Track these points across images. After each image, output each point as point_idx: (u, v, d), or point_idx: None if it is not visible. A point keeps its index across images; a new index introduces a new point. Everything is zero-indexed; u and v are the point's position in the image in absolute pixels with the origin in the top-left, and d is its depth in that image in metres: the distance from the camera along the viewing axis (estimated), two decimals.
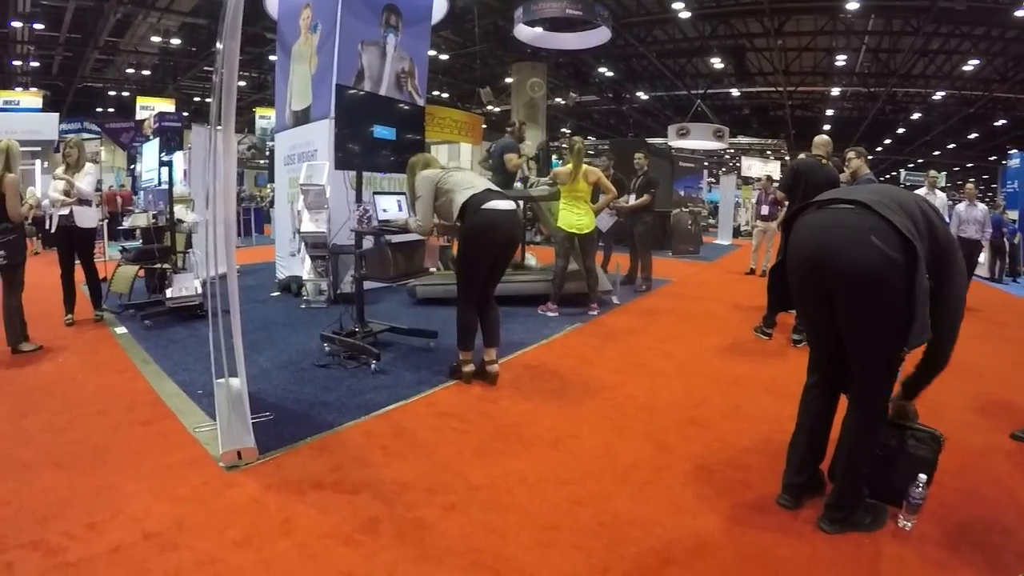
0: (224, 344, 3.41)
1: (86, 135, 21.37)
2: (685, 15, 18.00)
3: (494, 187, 4.29)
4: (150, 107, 22.26)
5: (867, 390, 2.51)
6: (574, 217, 6.56)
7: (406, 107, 5.86)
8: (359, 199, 4.90)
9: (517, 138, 8.07)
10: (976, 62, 20.54)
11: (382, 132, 4.90)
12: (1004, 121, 27.18)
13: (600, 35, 15.44)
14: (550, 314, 6.64)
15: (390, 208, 4.73)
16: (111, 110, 27.50)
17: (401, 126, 5.10)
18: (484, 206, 4.01)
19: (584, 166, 6.59)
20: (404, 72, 8.40)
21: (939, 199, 9.35)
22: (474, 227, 4.04)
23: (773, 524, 2.62)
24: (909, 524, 2.58)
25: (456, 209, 4.08)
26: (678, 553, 2.38)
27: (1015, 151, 20.98)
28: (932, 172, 5.75)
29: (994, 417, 4.05)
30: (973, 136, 29.72)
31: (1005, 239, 14.38)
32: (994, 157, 31.41)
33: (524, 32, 15.51)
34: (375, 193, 4.78)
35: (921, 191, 5.44)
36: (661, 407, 4.02)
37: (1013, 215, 15.97)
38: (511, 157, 7.57)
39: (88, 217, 6.00)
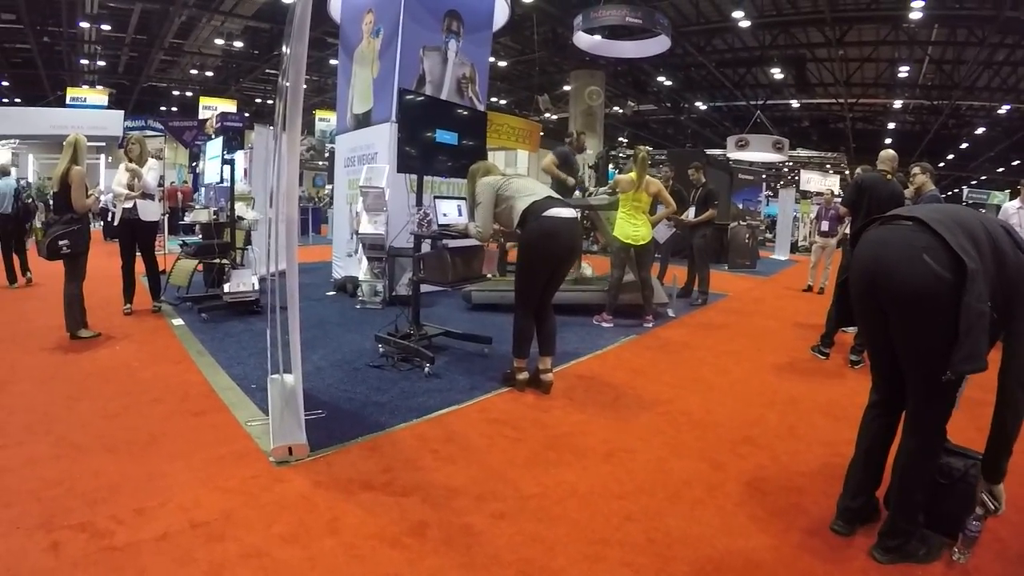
0: (280, 340, 3.47)
1: (150, 132, 22.15)
2: (745, 24, 17.78)
3: (555, 195, 4.29)
4: (212, 107, 23.01)
5: (920, 413, 2.42)
6: (631, 228, 6.51)
7: (468, 112, 5.87)
8: (419, 202, 4.94)
9: (577, 148, 8.07)
10: None
11: (444, 136, 4.93)
12: None
13: (660, 44, 15.31)
14: (605, 324, 6.61)
15: (450, 212, 4.76)
16: (174, 109, 28.45)
17: (463, 131, 5.13)
18: (545, 213, 4.01)
19: (646, 177, 6.56)
20: (465, 78, 8.47)
21: None
22: (534, 234, 4.04)
23: (826, 550, 2.55)
24: (963, 557, 2.47)
25: (516, 216, 4.09)
26: (728, 574, 2.34)
27: None
28: None
29: None
30: None
31: None
32: None
33: (583, 40, 15.47)
34: (436, 197, 4.82)
35: (1015, 203, 5.26)
36: (715, 424, 3.96)
37: None
38: (547, 158, 7.58)
39: (150, 211, 6.20)
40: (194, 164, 19.63)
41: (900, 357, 2.41)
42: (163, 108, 28.36)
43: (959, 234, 2.20)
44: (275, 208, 3.45)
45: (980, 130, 26.97)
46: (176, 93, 27.60)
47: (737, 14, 17.18)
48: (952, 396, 2.38)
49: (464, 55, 8.47)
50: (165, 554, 2.22)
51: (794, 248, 20.79)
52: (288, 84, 2.93)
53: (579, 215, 7.58)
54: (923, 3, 15.13)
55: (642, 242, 6.57)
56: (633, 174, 6.55)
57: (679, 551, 2.48)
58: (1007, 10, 14.30)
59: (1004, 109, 22.85)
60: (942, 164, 34.69)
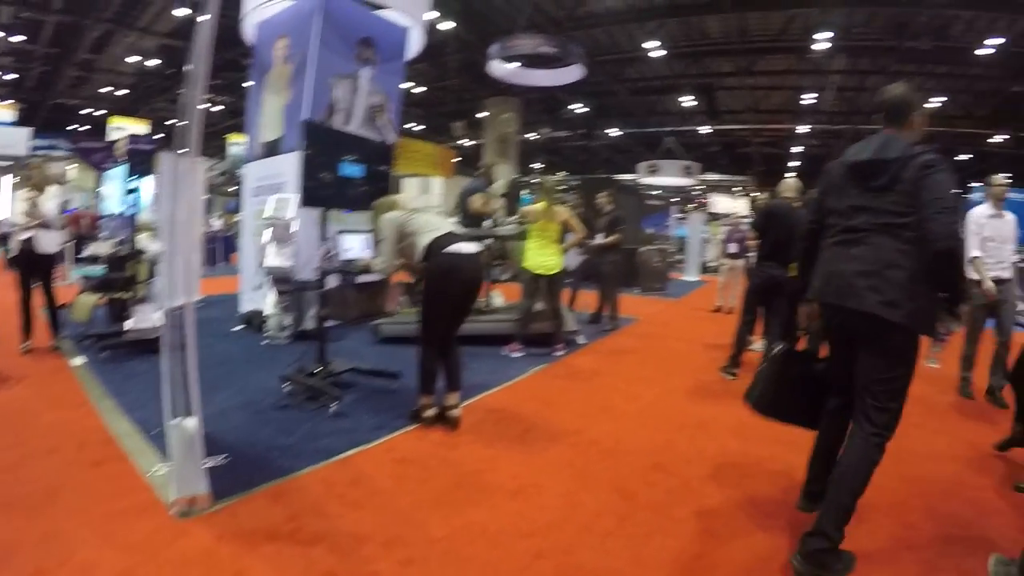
0: (180, 382, 3.31)
1: (56, 153, 21.13)
2: (658, 54, 18.32)
3: (457, 229, 4.27)
4: (123, 128, 22.07)
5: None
6: (541, 257, 6.54)
7: (375, 144, 5.79)
8: (324, 237, 4.83)
9: (487, 180, 8.08)
10: (940, 99, 21.21)
11: (349, 169, 4.85)
12: (969, 156, 28.03)
13: (573, 73, 15.63)
14: (515, 355, 6.59)
15: (355, 247, 4.68)
16: (85, 128, 27.24)
17: (369, 163, 5.06)
18: (447, 249, 4.00)
19: (555, 206, 6.60)
20: (377, 107, 8.38)
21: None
22: (437, 270, 4.02)
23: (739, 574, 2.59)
24: (935, 362, 2.85)
25: (419, 251, 4.07)
26: None
27: (978, 185, 21.53)
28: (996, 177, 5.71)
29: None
30: None
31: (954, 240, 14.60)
32: (958, 191, 32.18)
33: (498, 68, 15.64)
34: (339, 232, 4.73)
35: (984, 209, 5.54)
36: (625, 452, 3.98)
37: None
38: (475, 198, 7.56)
39: (49, 242, 5.93)
40: (100, 190, 18.87)
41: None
42: (73, 127, 27.12)
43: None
44: (169, 239, 3.27)
45: None
46: (87, 111, 26.45)
47: (650, 44, 17.70)
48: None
49: (377, 84, 8.38)
50: None
51: (704, 268, 21.34)
52: (189, 103, 2.84)
53: (488, 244, 7.66)
54: (828, 35, 15.97)
55: (553, 271, 6.59)
56: (541, 204, 6.59)
57: None
58: (907, 40, 15.25)
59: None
60: None
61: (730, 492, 3.44)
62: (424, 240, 4.07)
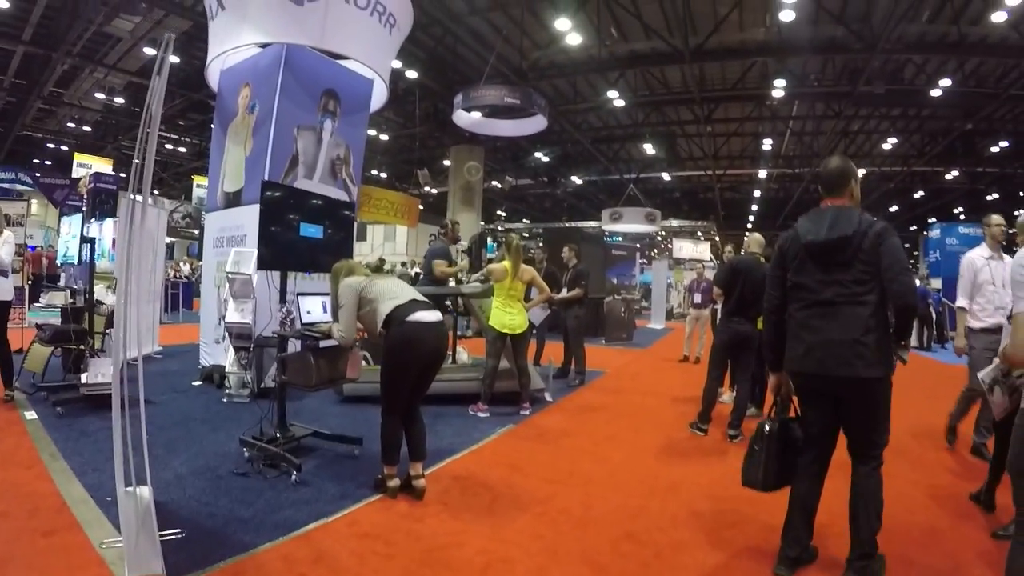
0: (131, 447, 3.14)
1: (18, 186, 20.66)
2: (619, 103, 18.67)
3: (420, 297, 4.17)
4: (87, 165, 21.71)
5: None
6: (507, 316, 6.46)
7: (337, 203, 5.71)
8: (283, 299, 4.71)
9: (451, 239, 8.04)
10: (894, 140, 22.01)
11: (308, 230, 4.75)
12: (922, 193, 28.96)
13: (536, 123, 15.81)
14: (481, 414, 6.45)
15: (314, 310, 4.56)
16: (48, 163, 26.80)
17: (328, 223, 4.97)
18: (409, 318, 3.90)
19: (520, 265, 6.57)
20: (339, 159, 8.32)
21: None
22: (398, 340, 3.91)
23: None
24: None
25: (380, 320, 3.96)
26: None
27: (934, 221, 22.18)
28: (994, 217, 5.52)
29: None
30: (894, 209, 31.39)
31: (931, 308, 15.00)
32: (914, 227, 33.18)
33: (463, 118, 15.76)
34: (299, 294, 4.61)
35: (981, 251, 5.34)
36: (596, 521, 3.86)
37: (937, 283, 16.74)
38: (438, 264, 7.51)
39: (2, 289, 5.71)
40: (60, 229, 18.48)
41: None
42: (36, 160, 26.69)
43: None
44: (125, 286, 3.10)
45: None
46: (51, 146, 26.01)
47: (612, 94, 18.04)
48: None
49: (340, 136, 8.33)
50: None
51: (669, 315, 21.52)
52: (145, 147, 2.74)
53: (455, 301, 7.59)
54: (784, 83, 16.46)
55: (519, 330, 6.52)
56: (506, 263, 6.52)
57: None
58: (860, 86, 15.78)
59: (860, 173, 25.02)
60: None
61: (704, 561, 3.34)
62: (385, 308, 3.96)
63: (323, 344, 4.45)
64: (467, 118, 15.93)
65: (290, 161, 7.64)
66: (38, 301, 9.82)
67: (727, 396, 6.93)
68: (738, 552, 3.49)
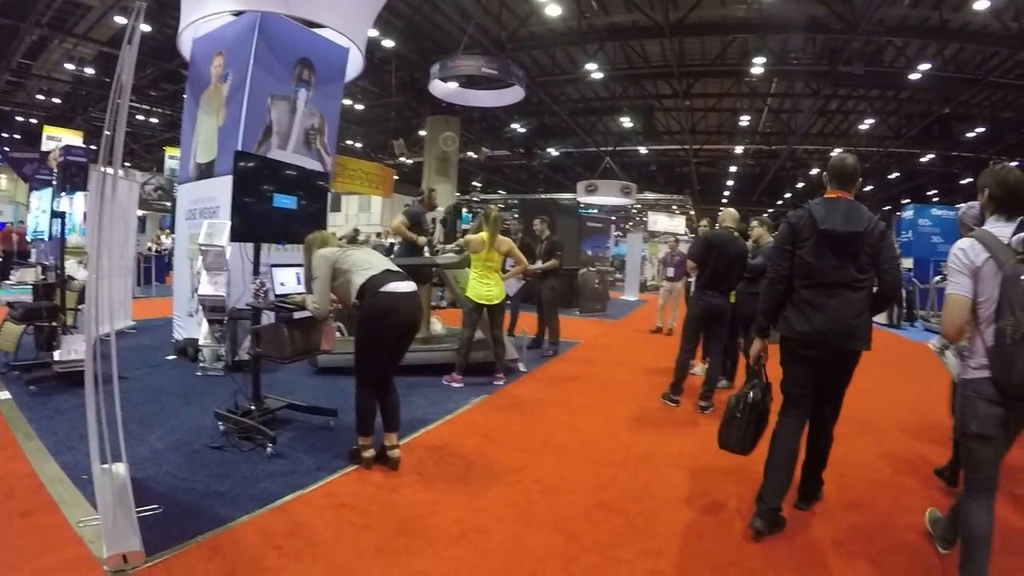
0: (106, 424, 3.12)
1: None
2: (598, 75, 18.58)
3: (394, 267, 4.17)
4: (57, 138, 21.19)
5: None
6: (483, 288, 6.49)
7: (309, 174, 5.64)
8: (256, 272, 4.68)
9: (428, 206, 7.98)
10: (871, 121, 22.13)
11: (282, 201, 4.70)
12: (897, 174, 29.27)
13: (514, 94, 15.65)
14: (455, 385, 6.49)
15: (288, 282, 4.54)
16: (16, 137, 26.13)
17: (302, 194, 4.93)
18: (383, 288, 3.90)
19: (498, 236, 6.57)
20: (314, 129, 8.22)
21: None
22: (372, 311, 3.92)
23: None
24: None
25: (354, 290, 3.96)
26: None
27: (908, 202, 22.46)
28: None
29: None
30: (869, 189, 31.67)
31: (902, 288, 15.27)
32: (888, 207, 33.57)
33: (439, 88, 15.58)
34: (272, 266, 4.58)
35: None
36: (568, 490, 3.93)
37: (908, 263, 17.01)
38: (399, 220, 7.46)
39: None
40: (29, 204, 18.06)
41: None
42: (4, 134, 26.00)
43: None
44: (94, 264, 3.07)
45: (815, 171, 29.56)
46: (20, 119, 25.37)
47: (590, 66, 17.94)
48: None
49: (314, 105, 8.22)
50: None
51: (643, 287, 21.64)
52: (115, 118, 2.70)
53: (430, 270, 7.56)
54: (763, 59, 16.47)
55: (495, 301, 6.55)
56: (484, 234, 6.52)
57: None
58: (840, 65, 15.83)
59: (836, 152, 25.19)
60: (780, 202, 37.63)
61: (675, 529, 3.42)
62: (359, 279, 3.95)
63: (297, 316, 4.44)
64: (444, 88, 15.75)
65: (264, 131, 7.53)
66: (8, 279, 9.65)
67: (699, 368, 7.02)
68: (709, 520, 3.58)
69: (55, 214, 6.42)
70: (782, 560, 3.13)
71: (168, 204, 26.62)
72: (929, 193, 30.72)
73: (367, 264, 4.05)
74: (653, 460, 4.57)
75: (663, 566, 3.00)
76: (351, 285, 3.98)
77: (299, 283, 4.62)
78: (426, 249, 7.40)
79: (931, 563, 3.14)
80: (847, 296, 3.24)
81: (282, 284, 4.48)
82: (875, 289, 3.36)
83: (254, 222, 4.59)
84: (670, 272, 11.84)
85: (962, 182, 27.26)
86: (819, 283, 3.28)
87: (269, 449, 4.23)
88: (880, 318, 14.66)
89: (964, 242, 2.70)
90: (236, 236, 4.59)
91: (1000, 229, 2.65)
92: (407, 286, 4.04)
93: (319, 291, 4.05)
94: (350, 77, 9.26)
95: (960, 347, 3.17)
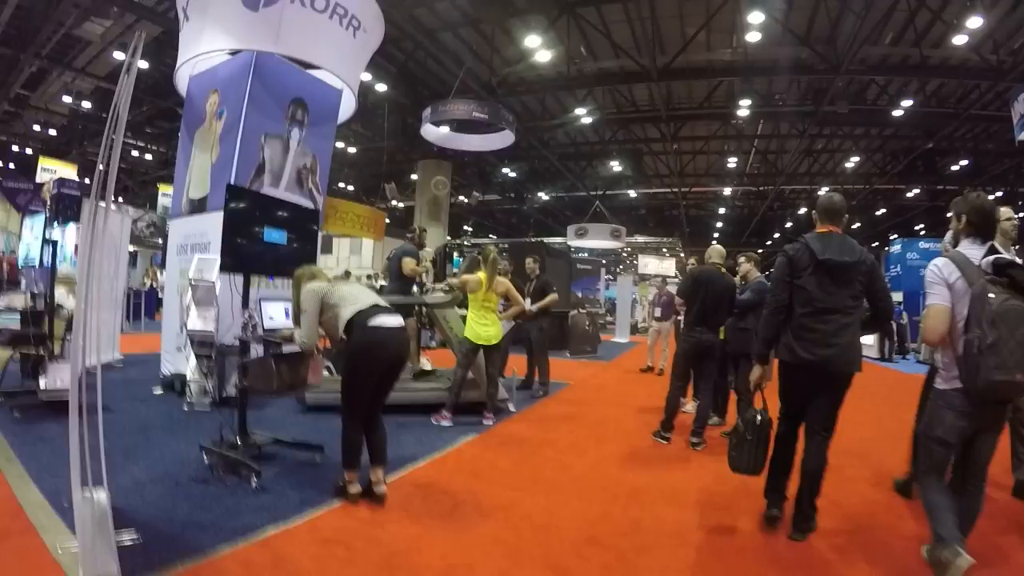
0: (88, 449, 3.08)
1: None
2: (587, 120, 18.86)
3: (382, 302, 4.18)
4: (52, 170, 21.29)
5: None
6: (481, 328, 6.49)
7: (302, 210, 5.69)
8: (245, 304, 4.67)
9: (417, 244, 8.03)
10: (857, 159, 22.52)
11: (272, 235, 4.72)
12: (884, 210, 29.65)
13: (504, 138, 15.89)
14: (444, 423, 6.43)
15: (276, 316, 4.53)
16: (12, 165, 26.20)
17: (293, 230, 4.95)
18: (370, 323, 3.91)
19: (496, 277, 6.61)
20: (306, 168, 8.29)
21: None
22: (359, 345, 3.92)
23: None
24: None
25: (342, 325, 3.96)
26: None
27: (896, 237, 22.70)
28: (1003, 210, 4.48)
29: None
30: (856, 226, 32.04)
31: (892, 320, 15.41)
32: (876, 244, 33.89)
33: (431, 132, 15.79)
34: (261, 299, 4.58)
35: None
36: (558, 526, 3.87)
37: (898, 296, 17.20)
38: (408, 261, 7.50)
39: None
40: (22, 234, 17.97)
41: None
42: (0, 165, 26.09)
43: None
44: (86, 291, 3.05)
45: (802, 211, 29.98)
46: (16, 149, 25.45)
47: (579, 111, 18.24)
48: None
49: (306, 145, 8.30)
50: None
51: (634, 330, 21.66)
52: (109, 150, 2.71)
53: (419, 309, 7.56)
54: (749, 102, 16.82)
55: (493, 341, 6.55)
56: (482, 274, 6.54)
57: None
58: (824, 105, 16.16)
59: (823, 191, 25.51)
60: (769, 243, 37.98)
61: (667, 564, 3.39)
62: (346, 313, 3.96)
63: (285, 350, 4.43)
64: (435, 132, 15.97)
65: (256, 169, 7.60)
66: None
67: (690, 406, 7.00)
68: (700, 555, 3.55)
69: (47, 241, 6.40)
70: None
71: (160, 241, 26.65)
72: (916, 228, 31.09)
73: (354, 298, 4.06)
74: (644, 496, 4.53)
75: None
76: (339, 319, 3.98)
77: (287, 318, 4.61)
78: (415, 288, 7.42)
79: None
80: (842, 321, 3.52)
81: (271, 318, 4.47)
82: (868, 315, 3.70)
83: (244, 254, 4.59)
84: (658, 312, 11.88)
85: (948, 215, 27.51)
86: (817, 310, 3.56)
87: (254, 483, 4.17)
88: (872, 352, 14.76)
89: (939, 260, 3.05)
90: (226, 267, 4.59)
91: (972, 251, 3.01)
92: (394, 320, 4.04)
93: (307, 325, 4.05)
94: (343, 119, 9.38)
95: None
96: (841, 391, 3.65)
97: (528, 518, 3.99)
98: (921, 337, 3.30)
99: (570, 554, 3.47)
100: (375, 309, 4.01)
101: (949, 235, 3.94)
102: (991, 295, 2.77)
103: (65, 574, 2.83)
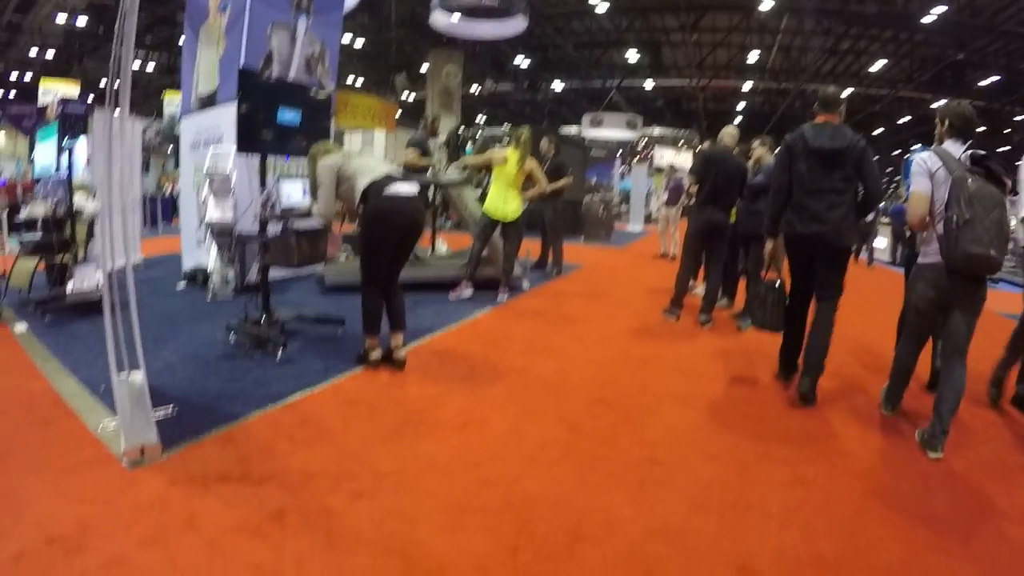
0: (123, 338, 3.26)
1: None
2: (603, 8, 18.21)
3: (396, 171, 4.25)
4: (53, 91, 21.07)
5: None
6: (501, 202, 6.56)
7: (312, 92, 5.67)
8: (263, 184, 4.76)
9: (430, 132, 7.99)
10: (883, 62, 21.60)
11: (286, 116, 4.75)
12: (908, 118, 28.71)
13: (516, 25, 15.37)
14: (464, 294, 6.66)
15: (294, 194, 4.62)
16: (14, 94, 26.01)
17: (306, 110, 4.97)
18: (385, 191, 3.98)
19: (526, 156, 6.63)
20: (314, 57, 8.18)
21: None
22: (375, 212, 4.00)
23: (679, 499, 2.72)
24: None
25: (358, 194, 4.04)
26: (588, 530, 2.42)
27: (918, 145, 22.19)
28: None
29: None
30: (878, 132, 31.15)
31: (906, 227, 15.28)
32: (898, 151, 33.09)
33: (440, 20, 15.33)
34: (279, 178, 4.67)
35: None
36: (570, 388, 4.09)
37: None
38: (409, 151, 7.48)
39: None
40: (33, 156, 18.03)
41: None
42: (1, 93, 25.89)
43: None
44: (104, 197, 3.17)
45: None
46: (15, 76, 25.19)
47: None
48: None
49: (314, 33, 8.17)
50: (24, 574, 2.05)
51: (648, 219, 21.57)
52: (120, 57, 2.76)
53: (431, 191, 7.61)
54: None
55: (511, 218, 6.61)
56: (509, 151, 6.57)
57: (538, 511, 2.54)
58: (852, 3, 15.43)
59: (846, 93, 24.70)
60: None
61: (673, 423, 3.57)
62: (362, 183, 4.03)
63: (304, 227, 4.55)
64: (444, 20, 15.49)
65: (264, 60, 7.51)
66: (15, 230, 9.72)
67: (699, 289, 7.11)
68: (703, 416, 3.75)
69: (61, 149, 6.44)
70: (771, 451, 3.32)
71: (169, 149, 26.58)
72: None
73: (370, 168, 4.13)
74: (652, 364, 4.73)
75: (658, 453, 3.15)
76: (355, 190, 4.05)
77: (304, 195, 4.70)
78: (429, 171, 7.45)
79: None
80: (832, 200, 3.92)
81: (288, 196, 4.57)
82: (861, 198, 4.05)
83: (259, 136, 4.64)
84: (665, 196, 11.90)
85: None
86: (810, 190, 3.97)
87: (279, 354, 4.39)
88: (884, 255, 14.71)
89: (924, 154, 3.46)
90: (242, 147, 4.63)
91: (954, 148, 3.40)
92: (409, 188, 4.12)
93: (324, 197, 4.14)
94: (349, 6, 9.16)
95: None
96: (839, 262, 4.07)
97: (541, 379, 4.21)
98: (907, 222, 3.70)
99: (581, 412, 3.68)
100: (389, 178, 4.08)
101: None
102: (969, 180, 3.17)
103: (106, 447, 3.01)
